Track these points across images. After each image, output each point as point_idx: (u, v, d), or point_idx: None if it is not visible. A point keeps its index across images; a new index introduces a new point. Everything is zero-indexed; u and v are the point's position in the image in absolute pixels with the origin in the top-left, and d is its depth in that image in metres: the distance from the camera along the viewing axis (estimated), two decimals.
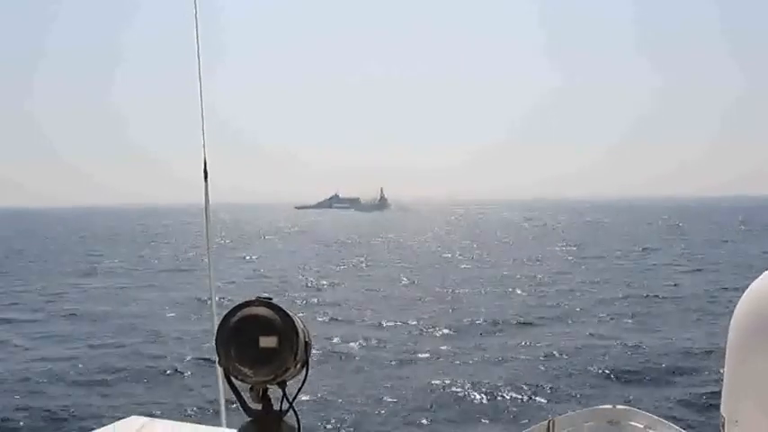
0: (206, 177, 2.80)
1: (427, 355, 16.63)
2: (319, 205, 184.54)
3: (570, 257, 42.01)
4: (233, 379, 1.64)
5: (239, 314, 1.61)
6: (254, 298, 1.63)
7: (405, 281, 30.92)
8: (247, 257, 43.71)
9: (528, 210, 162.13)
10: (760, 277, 1.56)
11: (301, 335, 1.63)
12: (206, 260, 3.12)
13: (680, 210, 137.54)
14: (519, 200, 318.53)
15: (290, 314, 1.62)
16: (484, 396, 13.21)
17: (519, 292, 27.11)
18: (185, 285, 29.61)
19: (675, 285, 27.99)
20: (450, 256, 44.75)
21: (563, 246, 51.10)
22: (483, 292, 27.24)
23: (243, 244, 56.74)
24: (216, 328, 1.61)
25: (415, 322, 20.92)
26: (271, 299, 1.63)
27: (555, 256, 43.42)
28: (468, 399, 13.17)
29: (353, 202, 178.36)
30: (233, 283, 28.64)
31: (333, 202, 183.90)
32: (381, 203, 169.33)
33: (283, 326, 1.60)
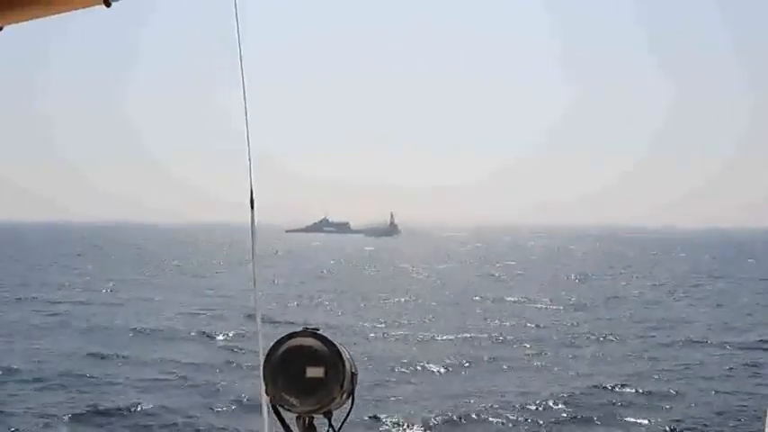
0: (252, 206, 2.53)
1: None
2: (308, 229, 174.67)
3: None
4: (279, 408, 1.73)
5: (286, 344, 1.71)
6: (301, 329, 1.73)
7: (372, 334, 24.22)
8: (209, 289, 40.08)
9: (554, 237, 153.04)
10: None
11: (348, 365, 1.71)
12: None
13: None
14: (545, 225, 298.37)
15: (337, 345, 1.71)
16: None
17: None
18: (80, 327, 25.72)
19: None
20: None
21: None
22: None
23: (213, 272, 52.94)
24: (262, 358, 1.73)
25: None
26: (318, 329, 1.73)
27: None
28: None
29: (341, 227, 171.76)
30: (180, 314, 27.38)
31: (323, 225, 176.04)
32: (391, 228, 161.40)
33: (330, 356, 1.69)
